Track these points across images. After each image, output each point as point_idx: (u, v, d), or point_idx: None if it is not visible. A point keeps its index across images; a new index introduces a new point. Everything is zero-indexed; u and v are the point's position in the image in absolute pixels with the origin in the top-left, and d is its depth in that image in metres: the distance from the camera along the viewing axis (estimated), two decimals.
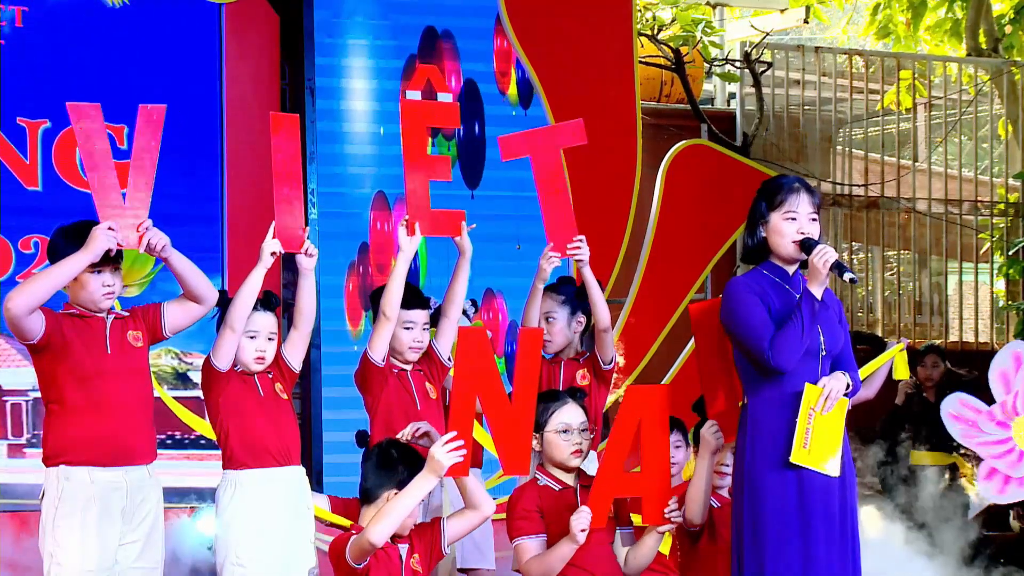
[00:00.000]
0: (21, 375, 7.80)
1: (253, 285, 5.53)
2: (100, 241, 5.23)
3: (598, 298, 6.31)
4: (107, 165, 5.32)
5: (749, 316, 5.07)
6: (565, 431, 5.39)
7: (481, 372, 5.07)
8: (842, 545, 5.07)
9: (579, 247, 6.11)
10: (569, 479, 5.48)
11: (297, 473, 5.72)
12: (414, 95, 6.01)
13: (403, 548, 5.17)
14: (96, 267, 5.32)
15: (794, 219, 5.12)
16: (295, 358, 5.76)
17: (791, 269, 5.18)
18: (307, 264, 5.63)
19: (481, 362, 5.07)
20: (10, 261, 7.82)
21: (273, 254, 5.52)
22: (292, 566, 5.65)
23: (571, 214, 6.12)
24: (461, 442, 5.01)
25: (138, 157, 5.38)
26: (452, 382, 5.31)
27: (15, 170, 8.05)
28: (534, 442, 5.44)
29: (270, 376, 5.70)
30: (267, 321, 5.67)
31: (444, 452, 5.00)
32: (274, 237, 5.51)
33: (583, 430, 5.48)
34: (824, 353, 5.09)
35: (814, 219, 5.14)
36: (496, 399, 5.11)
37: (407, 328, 6.02)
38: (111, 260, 5.35)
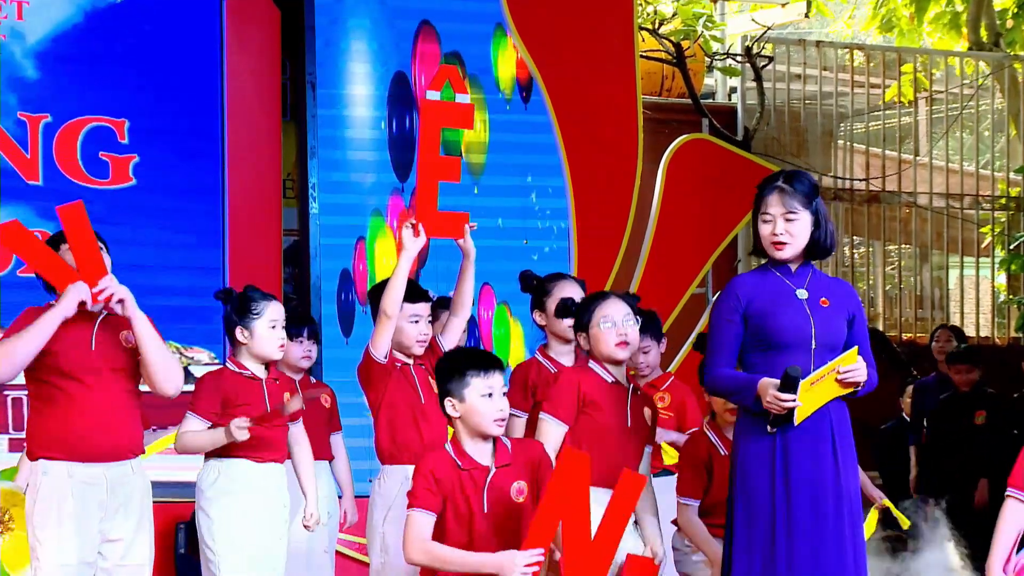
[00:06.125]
0: None
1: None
2: (71, 296, 5.25)
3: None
4: (92, 248, 5.31)
5: (715, 334, 5.14)
6: (609, 323, 5.41)
7: (573, 499, 4.82)
8: (817, 553, 4.97)
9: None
10: (620, 375, 5.44)
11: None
12: (433, 95, 5.91)
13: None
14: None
15: (768, 221, 5.10)
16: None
17: (794, 266, 5.16)
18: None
19: (576, 489, 4.83)
20: (10, 256, 7.80)
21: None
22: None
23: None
24: (540, 558, 4.74)
25: (78, 252, 5.28)
26: (541, 498, 4.90)
27: (16, 164, 8.04)
28: (581, 340, 5.52)
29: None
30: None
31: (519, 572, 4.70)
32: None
33: (627, 322, 5.46)
34: (815, 346, 5.05)
35: (791, 218, 5.07)
36: (578, 528, 4.84)
37: (414, 322, 5.97)
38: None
